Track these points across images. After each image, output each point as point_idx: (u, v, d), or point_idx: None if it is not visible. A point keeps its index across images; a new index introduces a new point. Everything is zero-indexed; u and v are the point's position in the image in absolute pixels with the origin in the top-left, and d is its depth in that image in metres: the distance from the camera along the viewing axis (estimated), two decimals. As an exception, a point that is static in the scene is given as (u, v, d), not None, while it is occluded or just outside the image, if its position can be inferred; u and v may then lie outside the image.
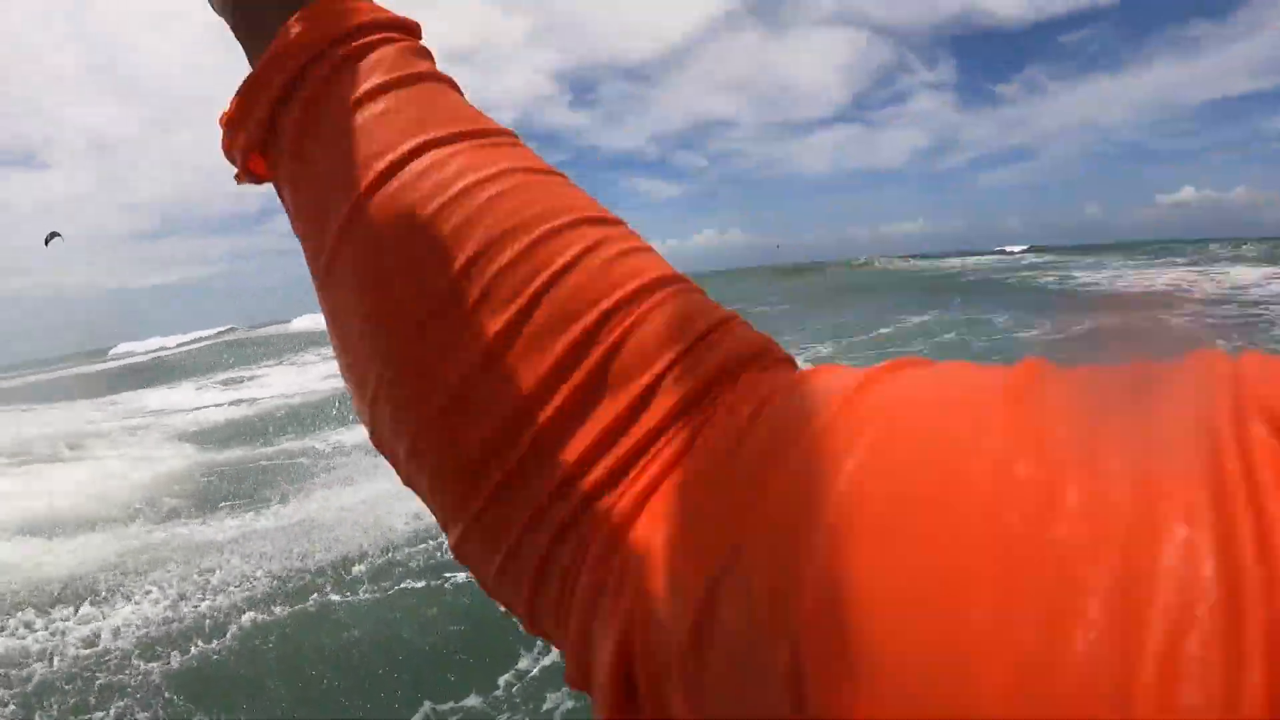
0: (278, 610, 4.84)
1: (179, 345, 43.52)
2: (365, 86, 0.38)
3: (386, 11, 0.41)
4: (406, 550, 5.51)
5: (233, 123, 0.40)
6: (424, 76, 0.40)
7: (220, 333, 49.32)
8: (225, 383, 18.91)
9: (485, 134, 0.38)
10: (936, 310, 18.11)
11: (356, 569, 5.34)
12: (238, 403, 14.90)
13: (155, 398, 17.36)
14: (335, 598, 4.95)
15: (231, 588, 5.19)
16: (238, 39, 0.42)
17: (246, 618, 4.75)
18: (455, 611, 4.61)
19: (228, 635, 4.56)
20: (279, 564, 5.52)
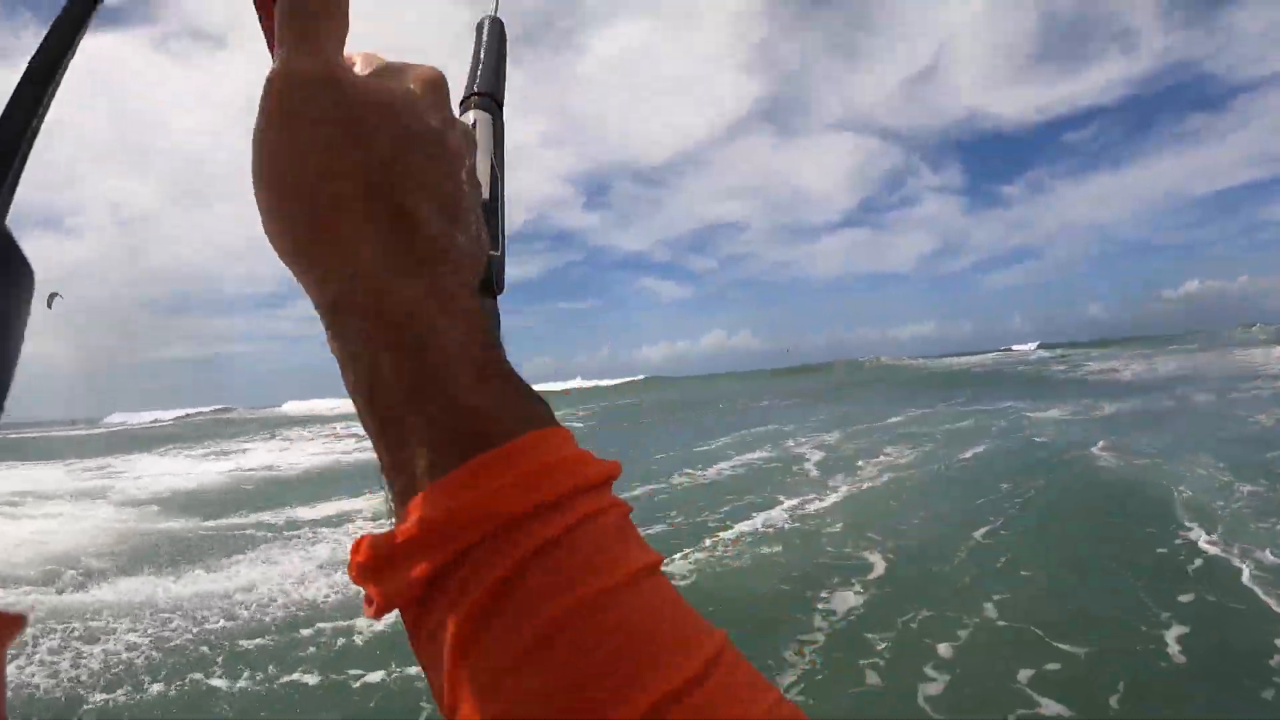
0: (148, 689, 3.98)
1: (174, 420, 43.12)
2: (581, 592, 0.29)
3: (593, 462, 0.32)
4: (319, 628, 4.68)
5: (365, 570, 0.30)
6: (651, 570, 0.31)
7: (217, 410, 48.93)
8: (205, 455, 18.29)
9: (712, 669, 0.29)
10: (944, 403, 17.52)
11: (247, 648, 4.47)
12: (209, 473, 14.28)
13: (130, 464, 16.74)
14: (215, 683, 4.07)
15: (109, 658, 4.38)
16: (365, 429, 0.34)
17: (105, 696, 3.90)
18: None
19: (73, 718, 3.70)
20: (171, 636, 4.71)
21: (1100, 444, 9.03)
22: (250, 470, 14.23)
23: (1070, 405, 14.27)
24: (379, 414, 0.31)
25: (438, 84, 0.34)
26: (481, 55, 0.46)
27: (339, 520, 8.35)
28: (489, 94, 0.45)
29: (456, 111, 0.41)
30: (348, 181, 0.30)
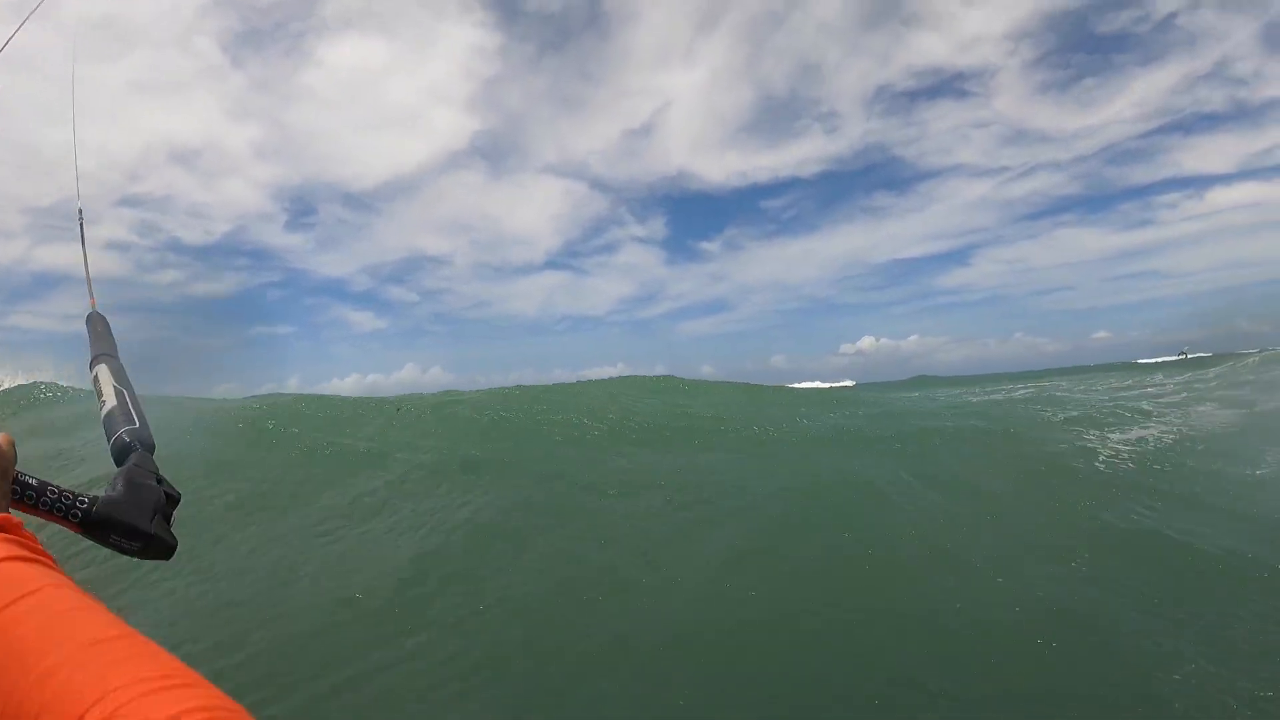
0: None
1: None
2: None
3: None
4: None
5: None
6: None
7: None
8: None
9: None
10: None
11: None
12: None
13: None
14: None
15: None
16: None
17: None
18: None
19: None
20: None
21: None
22: None
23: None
24: None
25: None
26: (90, 338, 1.09)
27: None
28: (105, 354, 1.05)
29: (89, 368, 1.04)
30: None
